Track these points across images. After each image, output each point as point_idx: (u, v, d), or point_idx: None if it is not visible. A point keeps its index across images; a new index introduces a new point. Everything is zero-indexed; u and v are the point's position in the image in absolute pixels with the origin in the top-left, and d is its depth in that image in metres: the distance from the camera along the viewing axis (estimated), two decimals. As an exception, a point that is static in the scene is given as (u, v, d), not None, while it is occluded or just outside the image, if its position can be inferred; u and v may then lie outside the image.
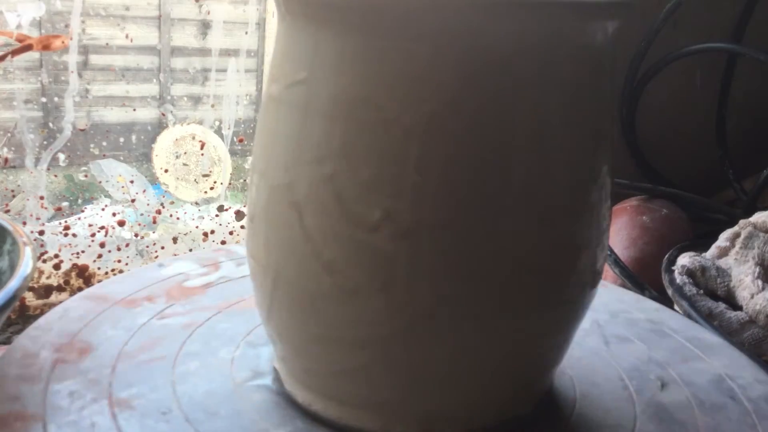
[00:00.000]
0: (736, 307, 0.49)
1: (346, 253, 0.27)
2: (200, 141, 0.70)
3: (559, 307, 0.29)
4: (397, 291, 0.27)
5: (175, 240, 0.67)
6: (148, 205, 0.67)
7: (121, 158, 0.68)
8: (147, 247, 0.66)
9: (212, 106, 0.69)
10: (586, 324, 0.38)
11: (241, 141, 0.70)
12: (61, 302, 0.38)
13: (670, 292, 0.51)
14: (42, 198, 0.62)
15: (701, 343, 0.40)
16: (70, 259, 0.62)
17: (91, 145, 0.66)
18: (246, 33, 0.68)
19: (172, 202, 0.69)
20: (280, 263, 0.29)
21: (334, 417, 0.30)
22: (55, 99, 0.64)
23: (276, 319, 0.31)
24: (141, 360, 0.34)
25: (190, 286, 0.41)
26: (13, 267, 0.33)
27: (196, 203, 0.72)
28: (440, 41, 0.25)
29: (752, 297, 0.48)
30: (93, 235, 0.63)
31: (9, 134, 0.61)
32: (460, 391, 0.30)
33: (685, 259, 0.53)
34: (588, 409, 0.33)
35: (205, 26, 0.70)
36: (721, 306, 0.49)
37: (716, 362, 0.38)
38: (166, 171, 0.71)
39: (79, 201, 0.67)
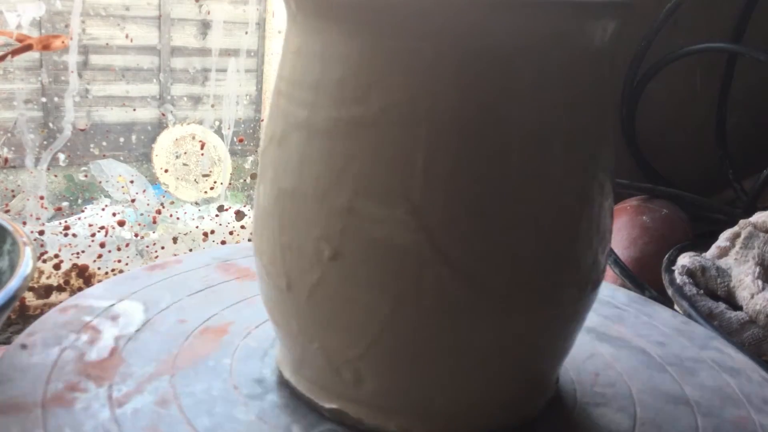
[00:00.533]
0: (736, 307, 0.49)
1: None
2: (200, 141, 0.70)
3: (559, 308, 0.29)
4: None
5: (175, 240, 0.67)
6: (148, 205, 0.67)
7: (121, 158, 0.68)
8: (147, 247, 0.66)
9: (212, 106, 0.69)
10: None
11: (241, 141, 0.70)
12: (58, 302, 0.38)
13: (670, 292, 0.51)
14: (42, 198, 0.62)
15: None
16: (70, 259, 0.62)
17: (91, 145, 0.66)
18: (246, 33, 0.68)
19: (172, 202, 0.69)
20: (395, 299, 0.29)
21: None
22: (55, 99, 0.64)
23: (378, 356, 0.30)
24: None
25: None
26: (13, 267, 0.33)
27: (196, 203, 0.72)
28: (444, 40, 0.25)
29: (752, 297, 0.48)
30: (93, 235, 0.63)
31: (9, 134, 0.61)
32: (462, 390, 0.30)
33: (685, 259, 0.53)
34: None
35: (205, 26, 0.70)
36: (721, 306, 0.49)
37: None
38: (166, 171, 0.71)
39: (79, 201, 0.67)
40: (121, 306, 0.38)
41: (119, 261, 0.64)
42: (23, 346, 0.34)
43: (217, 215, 0.70)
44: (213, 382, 0.33)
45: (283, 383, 0.33)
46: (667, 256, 0.55)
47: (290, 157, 0.29)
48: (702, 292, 0.50)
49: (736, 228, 0.53)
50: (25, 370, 0.32)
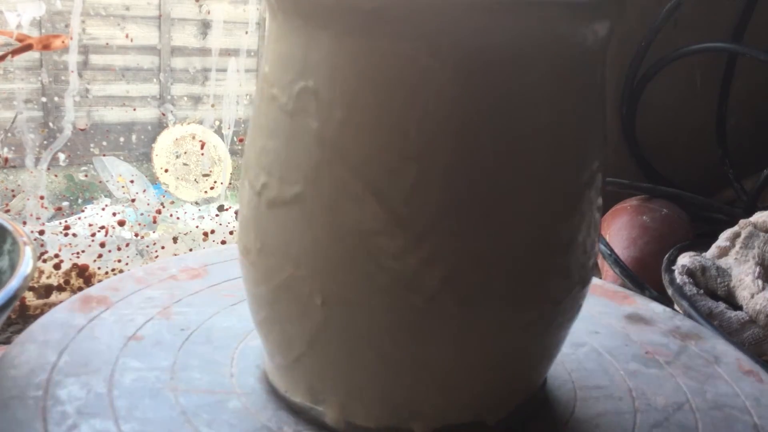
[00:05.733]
0: (737, 306, 0.49)
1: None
2: (200, 141, 0.70)
3: (546, 306, 0.29)
4: (315, 272, 0.28)
5: (175, 240, 0.67)
6: (148, 204, 0.67)
7: (121, 158, 0.68)
8: (147, 246, 0.66)
9: (212, 105, 0.69)
10: (662, 401, 0.34)
11: (241, 141, 0.70)
12: (61, 302, 0.39)
13: (670, 292, 0.51)
14: (42, 198, 0.62)
15: None
16: (70, 259, 0.62)
17: (91, 145, 0.66)
18: (246, 33, 0.68)
19: (172, 202, 0.69)
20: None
21: (268, 371, 0.32)
22: (56, 99, 0.64)
23: None
24: (220, 294, 0.40)
25: None
26: (13, 267, 0.33)
27: (196, 203, 0.72)
28: (436, 42, 0.25)
29: (752, 297, 0.48)
30: (93, 234, 0.63)
31: (9, 134, 0.61)
32: (445, 385, 0.29)
33: (685, 259, 0.53)
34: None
35: (205, 26, 0.70)
36: (721, 306, 0.49)
37: None
38: (166, 171, 0.71)
39: (79, 201, 0.67)
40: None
41: (119, 261, 0.64)
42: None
43: (217, 215, 0.70)
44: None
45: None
46: (667, 256, 0.55)
47: (271, 158, 0.29)
48: (702, 291, 0.50)
49: (736, 228, 0.53)
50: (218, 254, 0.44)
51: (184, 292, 0.39)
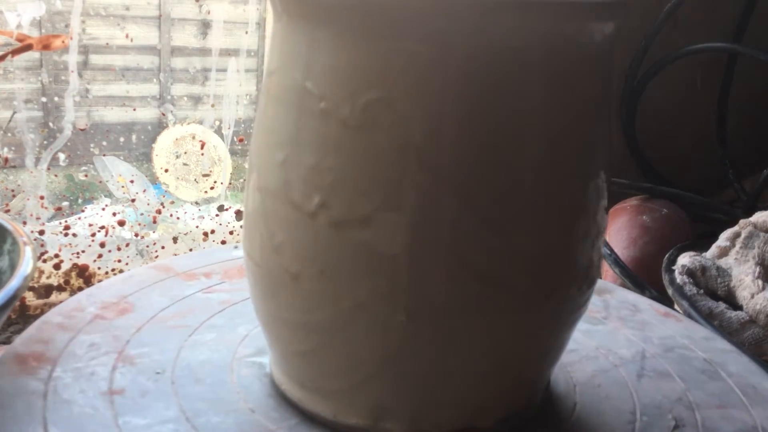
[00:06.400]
0: (737, 306, 0.49)
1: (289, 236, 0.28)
2: (200, 141, 0.70)
3: (553, 306, 0.29)
4: (398, 288, 0.27)
5: (175, 240, 0.67)
6: (148, 204, 0.67)
7: (122, 158, 0.68)
8: (147, 246, 0.66)
9: (212, 105, 0.69)
10: (627, 353, 0.37)
11: (241, 141, 0.70)
12: (58, 302, 0.39)
13: (670, 291, 0.51)
14: (42, 198, 0.62)
15: (754, 391, 0.35)
16: (71, 259, 0.62)
17: (91, 145, 0.66)
18: (246, 33, 0.68)
19: (173, 202, 0.69)
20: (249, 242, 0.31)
21: (297, 400, 0.31)
22: (56, 99, 0.64)
23: (253, 302, 0.32)
24: (167, 325, 0.36)
25: None
26: (13, 267, 0.33)
27: (197, 203, 0.72)
28: (438, 42, 0.25)
29: (752, 297, 0.48)
30: (93, 234, 0.63)
31: (9, 134, 0.61)
32: (451, 388, 0.30)
33: (685, 259, 0.53)
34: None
35: (205, 26, 0.70)
36: (722, 306, 0.49)
37: (760, 413, 0.34)
38: (166, 171, 0.71)
39: (79, 201, 0.67)
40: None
41: (119, 261, 0.64)
42: (236, 247, 0.46)
43: (217, 215, 0.70)
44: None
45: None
46: (667, 256, 0.55)
47: (273, 157, 0.29)
48: (702, 291, 0.50)
49: (736, 228, 0.53)
50: (210, 256, 0.44)
51: (126, 332, 0.35)
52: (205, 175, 0.72)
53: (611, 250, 0.57)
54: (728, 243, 0.53)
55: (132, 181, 0.67)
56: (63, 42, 0.59)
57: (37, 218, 0.62)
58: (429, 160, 0.26)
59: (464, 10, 0.25)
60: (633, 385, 0.35)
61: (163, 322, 0.37)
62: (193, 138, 0.71)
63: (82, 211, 0.66)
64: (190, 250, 0.67)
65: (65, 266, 0.62)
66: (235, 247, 0.46)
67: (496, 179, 0.26)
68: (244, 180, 0.72)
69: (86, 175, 0.66)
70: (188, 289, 0.40)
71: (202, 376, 0.33)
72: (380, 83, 0.26)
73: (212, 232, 0.68)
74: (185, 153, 0.71)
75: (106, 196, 0.67)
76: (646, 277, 0.56)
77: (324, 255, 0.27)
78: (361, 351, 0.28)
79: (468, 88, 0.26)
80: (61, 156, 0.63)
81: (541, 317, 0.29)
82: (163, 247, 0.66)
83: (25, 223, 0.62)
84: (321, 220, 0.27)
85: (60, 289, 0.61)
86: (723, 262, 0.52)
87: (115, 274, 0.62)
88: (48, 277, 0.61)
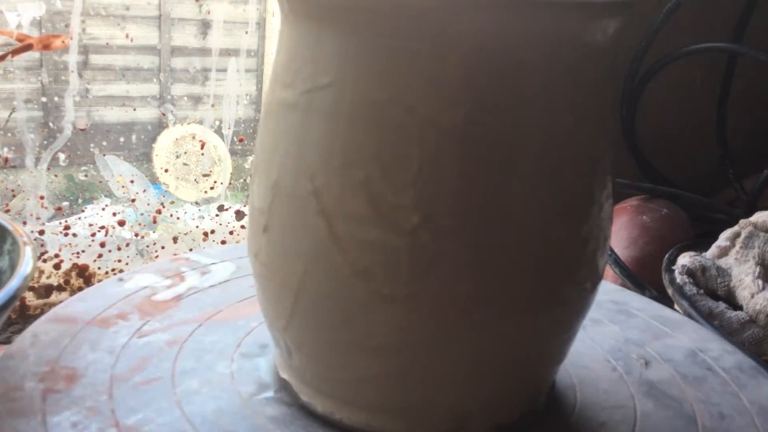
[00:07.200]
0: (737, 306, 0.49)
1: (381, 258, 0.27)
2: (200, 141, 0.70)
3: (563, 306, 0.29)
4: (429, 294, 0.27)
5: (175, 240, 0.67)
6: (148, 204, 0.67)
7: (122, 158, 0.68)
8: (147, 246, 0.66)
9: (212, 105, 0.69)
10: None
11: (241, 140, 0.70)
12: (58, 302, 0.39)
13: (670, 291, 0.51)
14: (42, 198, 0.62)
15: (666, 320, 0.42)
16: (71, 259, 0.62)
17: (92, 145, 0.66)
18: (246, 33, 0.68)
19: (173, 202, 0.69)
20: (305, 272, 0.28)
21: (359, 424, 0.30)
22: (56, 99, 0.64)
23: (296, 329, 0.30)
24: (136, 382, 0.32)
25: (161, 300, 0.39)
26: (13, 267, 0.33)
27: (197, 203, 0.72)
28: (444, 42, 0.25)
29: (752, 297, 0.48)
30: (93, 234, 0.63)
31: (9, 133, 0.61)
32: (478, 390, 0.30)
33: (685, 259, 0.53)
34: (588, 394, 0.34)
35: (205, 26, 0.69)
36: (722, 306, 0.49)
37: (684, 338, 0.40)
38: (166, 171, 0.71)
39: (80, 201, 0.67)
40: (220, 265, 0.43)
41: (119, 261, 0.64)
42: (120, 279, 0.41)
43: (217, 215, 0.70)
44: (225, 337, 0.36)
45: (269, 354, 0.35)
46: (667, 255, 0.55)
47: (286, 156, 0.29)
48: (702, 291, 0.50)
49: (736, 228, 0.53)
50: (105, 295, 0.39)
51: (99, 402, 0.31)
52: (205, 175, 0.72)
53: (611, 250, 0.57)
54: (728, 243, 0.53)
55: (132, 181, 0.67)
56: (63, 42, 0.59)
57: (37, 218, 0.62)
58: (430, 163, 0.26)
59: (466, 9, 0.25)
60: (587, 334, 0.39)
61: (127, 380, 0.32)
62: (193, 138, 0.71)
63: (82, 211, 0.66)
64: (190, 250, 0.67)
65: (65, 266, 0.62)
66: (121, 279, 0.41)
67: (497, 179, 0.26)
68: (245, 182, 0.72)
69: (86, 175, 0.66)
70: (117, 337, 0.35)
71: (231, 427, 0.30)
72: (392, 83, 0.26)
73: (212, 232, 0.69)
74: (185, 153, 0.71)
75: (106, 196, 0.67)
76: (646, 277, 0.56)
77: (425, 272, 0.27)
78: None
79: (468, 88, 0.26)
80: (61, 156, 0.63)
81: (545, 318, 0.29)
82: (163, 247, 0.66)
83: (25, 223, 0.62)
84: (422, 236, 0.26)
85: (60, 289, 0.61)
86: (723, 262, 0.52)
87: (115, 274, 0.62)
88: (48, 277, 0.61)
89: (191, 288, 0.41)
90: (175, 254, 0.52)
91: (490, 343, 0.28)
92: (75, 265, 0.62)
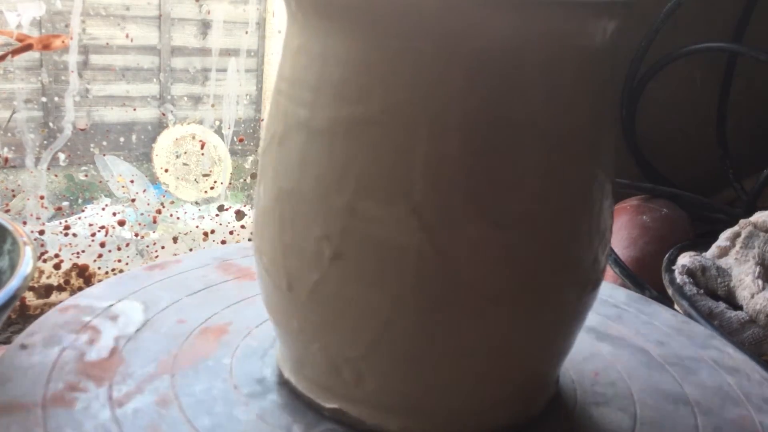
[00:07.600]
0: (737, 306, 0.49)
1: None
2: (200, 141, 0.70)
3: (563, 306, 0.30)
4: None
5: (175, 240, 0.67)
6: (148, 204, 0.67)
7: (122, 158, 0.68)
8: (147, 246, 0.66)
9: (212, 105, 0.69)
10: None
11: (241, 140, 0.70)
12: (58, 302, 0.38)
13: (670, 291, 0.51)
14: (42, 198, 0.62)
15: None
16: (71, 259, 0.62)
17: (92, 145, 0.66)
18: (246, 33, 0.68)
19: (173, 202, 0.69)
20: (398, 296, 0.28)
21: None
22: (56, 99, 0.64)
23: (383, 353, 0.29)
24: None
25: (97, 360, 0.34)
26: (13, 266, 0.33)
27: (197, 203, 0.72)
28: (445, 41, 0.25)
29: (752, 297, 0.48)
30: (93, 234, 0.63)
31: (9, 133, 0.61)
32: (462, 390, 0.30)
33: (685, 259, 0.53)
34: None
35: (205, 26, 0.69)
36: (722, 306, 0.49)
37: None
38: (166, 171, 0.71)
39: (80, 201, 0.66)
40: (121, 306, 0.38)
41: (119, 261, 0.64)
42: (23, 346, 0.34)
43: (217, 215, 0.70)
44: (213, 382, 0.33)
45: (284, 383, 0.33)
46: (667, 255, 0.55)
47: (291, 157, 0.29)
48: (702, 291, 0.50)
49: (736, 228, 0.53)
50: (26, 370, 0.32)
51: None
52: (205, 175, 0.72)
53: (611, 250, 0.57)
54: (728, 243, 0.53)
55: (132, 181, 0.67)
56: (63, 42, 0.59)
57: (37, 218, 0.62)
58: (433, 162, 0.26)
59: (469, 8, 0.25)
60: None
61: None
62: (193, 138, 0.71)
63: (82, 211, 0.66)
64: (190, 250, 0.67)
65: (65, 266, 0.62)
66: (23, 347, 0.34)
67: (499, 179, 0.27)
68: (245, 182, 0.72)
69: (86, 175, 0.66)
70: (94, 414, 0.30)
71: None
72: (395, 82, 0.26)
73: (212, 232, 0.69)
74: (185, 153, 0.71)
75: (106, 196, 0.67)
76: (646, 277, 0.56)
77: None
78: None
79: (470, 87, 0.26)
80: (61, 156, 0.63)
81: (545, 318, 0.29)
82: (163, 247, 0.66)
83: (25, 223, 0.62)
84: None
85: (60, 289, 0.61)
86: (723, 262, 0.52)
87: (115, 274, 0.62)
88: (48, 277, 0.61)
89: (118, 337, 0.35)
90: (61, 302, 0.39)
91: (489, 342, 0.28)
92: (75, 265, 0.62)
